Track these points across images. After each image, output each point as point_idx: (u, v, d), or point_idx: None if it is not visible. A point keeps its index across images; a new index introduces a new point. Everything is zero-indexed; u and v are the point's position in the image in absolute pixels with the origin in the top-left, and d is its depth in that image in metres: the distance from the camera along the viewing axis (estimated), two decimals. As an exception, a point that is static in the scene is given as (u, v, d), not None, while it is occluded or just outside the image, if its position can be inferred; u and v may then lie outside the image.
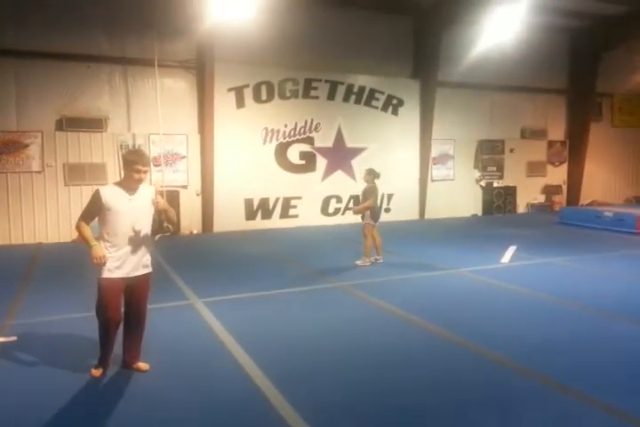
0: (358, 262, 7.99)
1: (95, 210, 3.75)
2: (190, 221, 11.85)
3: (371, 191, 7.91)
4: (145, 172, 3.75)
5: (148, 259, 3.92)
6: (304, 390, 3.66)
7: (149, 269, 3.95)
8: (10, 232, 10.34)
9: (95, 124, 10.89)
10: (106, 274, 3.71)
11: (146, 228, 3.85)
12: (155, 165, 11.43)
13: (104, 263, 3.67)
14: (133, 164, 3.72)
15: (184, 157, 11.79)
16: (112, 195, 3.73)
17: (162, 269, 7.87)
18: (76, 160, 10.77)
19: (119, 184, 3.83)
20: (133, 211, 3.74)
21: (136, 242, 3.77)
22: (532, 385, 3.75)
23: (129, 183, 3.77)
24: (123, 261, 3.74)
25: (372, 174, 7.97)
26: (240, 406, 3.43)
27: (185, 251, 9.74)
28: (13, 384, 3.76)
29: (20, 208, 10.39)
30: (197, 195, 11.94)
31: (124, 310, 3.91)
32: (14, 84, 10.37)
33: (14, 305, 5.75)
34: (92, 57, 10.83)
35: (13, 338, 4.66)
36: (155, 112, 11.21)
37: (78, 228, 3.78)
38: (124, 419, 3.27)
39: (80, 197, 10.47)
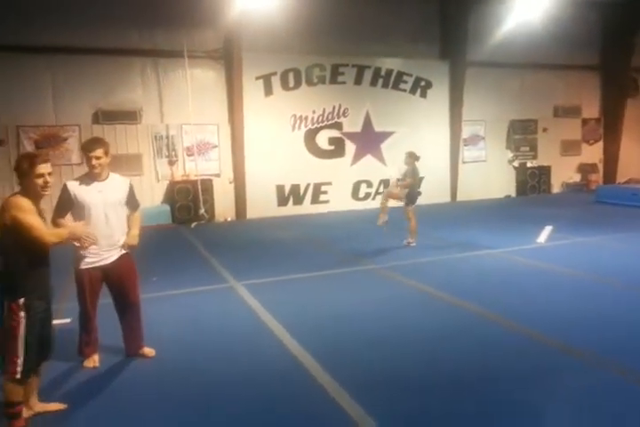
0: (409, 242, 8.04)
1: (66, 204, 3.75)
2: (224, 208, 12.10)
3: (411, 173, 8.00)
4: (97, 157, 3.69)
5: (121, 243, 3.88)
6: (345, 365, 3.78)
7: (123, 252, 3.89)
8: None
9: (130, 116, 11.18)
10: (82, 265, 3.76)
11: (119, 217, 3.86)
12: (188, 155, 11.69)
13: (94, 241, 3.23)
14: (84, 152, 3.79)
15: (216, 146, 12.00)
16: (80, 188, 3.73)
17: (199, 254, 8.14)
18: (112, 152, 10.78)
19: (86, 176, 3.82)
20: (100, 200, 3.73)
21: (110, 231, 3.77)
22: (569, 359, 3.79)
23: (89, 173, 3.78)
24: (97, 252, 3.73)
25: (412, 157, 8.08)
26: (282, 380, 3.58)
27: (221, 237, 9.98)
28: (69, 364, 4.01)
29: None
30: (230, 183, 12.17)
31: (113, 300, 3.99)
32: (51, 79, 10.72)
33: (65, 290, 6.06)
34: (124, 50, 11.08)
35: (68, 320, 4.93)
36: (186, 103, 11.41)
37: (53, 225, 3.67)
38: (178, 391, 3.47)
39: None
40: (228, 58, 11.78)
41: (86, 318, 3.92)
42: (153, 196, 11.45)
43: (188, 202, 11.43)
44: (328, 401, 3.25)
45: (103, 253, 3.78)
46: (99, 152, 3.73)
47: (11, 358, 2.70)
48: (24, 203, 2.77)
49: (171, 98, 11.59)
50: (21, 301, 2.74)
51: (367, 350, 4.11)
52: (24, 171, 2.87)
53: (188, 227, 11.04)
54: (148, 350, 4.05)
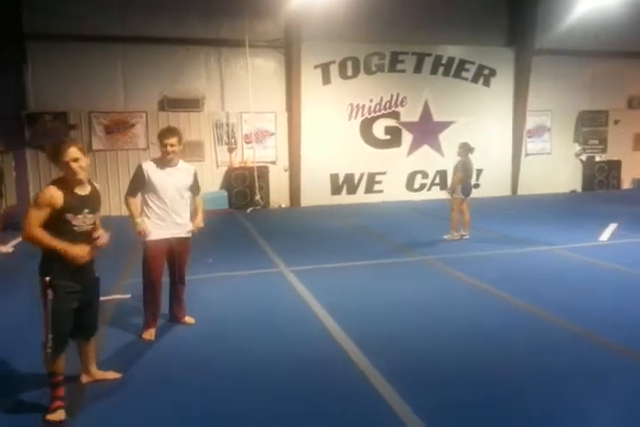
0: (446, 237, 7.97)
1: (139, 184, 4.11)
2: (279, 195, 12.36)
3: (462, 165, 7.83)
4: (172, 145, 4.01)
5: (188, 225, 4.24)
6: (384, 352, 3.82)
7: (189, 235, 4.28)
8: (121, 205, 11.40)
9: (193, 104, 11.60)
10: (152, 237, 4.08)
11: (184, 199, 4.19)
12: (246, 142, 11.99)
13: (146, 236, 4.06)
14: (160, 139, 4.05)
15: (273, 134, 12.23)
16: (153, 170, 4.07)
17: (253, 239, 8.39)
18: (176, 138, 11.53)
19: (160, 160, 4.14)
20: (171, 184, 4.08)
21: (176, 211, 4.12)
22: (622, 359, 3.65)
23: (162, 159, 4.10)
24: (165, 227, 4.10)
25: (464, 148, 7.90)
26: (322, 363, 3.68)
27: (274, 223, 10.22)
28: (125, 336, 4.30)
29: (128, 182, 11.40)
30: (285, 170, 12.39)
31: (169, 272, 4.33)
32: (121, 68, 11.30)
33: (128, 267, 6.46)
34: (190, 40, 11.48)
35: (128, 295, 5.27)
36: (246, 91, 11.68)
37: (126, 202, 4.16)
38: (221, 365, 3.66)
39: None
40: (288, 47, 11.93)
41: (152, 290, 4.20)
42: (213, 181, 11.88)
43: (244, 188, 11.78)
44: (364, 384, 3.32)
45: (170, 228, 4.12)
46: (173, 140, 4.05)
47: (44, 332, 2.95)
48: (43, 196, 2.89)
49: (232, 86, 11.91)
50: (47, 279, 2.94)
51: (409, 339, 4.13)
52: (53, 158, 3.04)
53: (243, 212, 11.39)
54: (189, 319, 4.45)
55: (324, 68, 12.35)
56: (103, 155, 11.30)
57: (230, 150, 12.00)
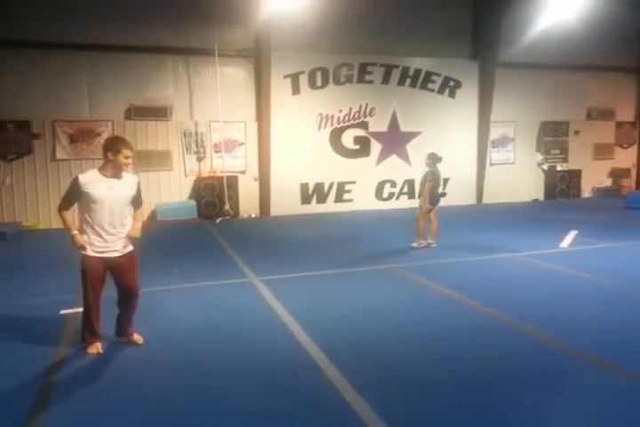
0: (414, 245, 8.09)
1: (72, 198, 3.87)
2: (249, 204, 12.31)
3: (431, 175, 7.98)
4: (127, 157, 3.83)
5: (127, 242, 4.02)
6: (354, 362, 3.85)
7: (130, 249, 4.06)
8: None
9: (161, 112, 11.48)
10: (88, 252, 3.90)
11: (124, 214, 3.95)
12: (215, 152, 11.94)
13: (82, 249, 3.88)
14: (122, 149, 3.80)
15: (242, 144, 12.21)
16: (91, 182, 3.80)
17: (222, 249, 8.33)
18: (143, 147, 11.41)
19: (102, 171, 3.86)
20: (112, 199, 3.83)
21: (116, 227, 3.90)
22: (581, 363, 3.77)
23: (113, 170, 3.84)
24: (102, 245, 3.89)
25: (432, 158, 8.05)
26: (291, 374, 3.68)
27: (243, 233, 10.17)
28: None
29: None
30: (255, 180, 12.37)
31: (116, 287, 4.11)
32: (87, 76, 11.11)
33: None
34: (158, 48, 11.39)
35: (80, 309, 5.14)
36: (215, 100, 11.65)
37: (59, 215, 3.97)
38: (186, 380, 3.62)
39: (148, 183, 11.13)
40: (258, 56, 11.97)
41: (90, 304, 4.01)
42: (180, 191, 11.76)
43: (213, 198, 11.69)
44: (334, 396, 3.33)
45: (108, 245, 3.92)
46: (129, 152, 3.88)
47: None
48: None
49: (201, 95, 11.86)
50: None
51: (378, 347, 4.17)
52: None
53: (212, 222, 11.29)
54: (137, 337, 4.24)
55: (294, 78, 12.44)
56: (67, 164, 11.04)
57: (199, 160, 11.91)
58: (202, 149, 11.84)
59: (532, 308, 5.07)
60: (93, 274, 3.94)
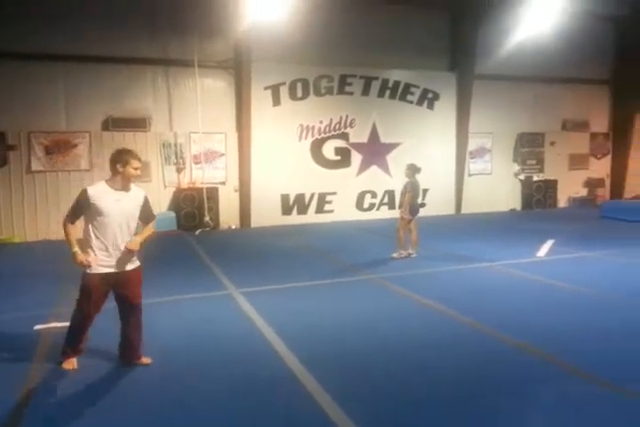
0: (394, 255, 8.13)
1: (80, 210, 3.77)
2: (229, 216, 12.24)
3: (411, 186, 8.05)
4: (136, 168, 3.77)
5: (133, 256, 3.91)
6: (334, 373, 3.84)
7: (137, 264, 3.96)
8: (61, 227, 10.95)
9: (139, 123, 11.39)
10: (92, 270, 3.75)
11: (130, 228, 3.86)
12: (195, 163, 11.87)
13: (87, 266, 3.73)
14: (130, 160, 3.74)
15: (222, 155, 12.17)
16: (100, 195, 3.72)
17: (202, 261, 8.25)
18: (121, 159, 11.26)
19: (110, 184, 3.79)
20: (120, 212, 3.74)
21: (122, 242, 3.78)
22: (554, 370, 3.82)
23: (122, 182, 3.77)
24: (108, 259, 3.76)
25: (411, 169, 8.12)
26: (271, 388, 3.65)
27: (224, 244, 10.09)
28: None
29: (69, 205, 10.97)
30: (235, 191, 12.32)
31: (119, 306, 3.96)
32: (63, 87, 10.98)
33: (68, 293, 6.18)
34: (136, 59, 11.33)
35: (68, 324, 5.03)
36: (195, 111, 11.62)
37: (64, 228, 3.83)
38: (166, 395, 3.55)
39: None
40: (238, 68, 12.00)
41: (84, 322, 3.90)
42: (160, 202, 11.62)
43: (193, 209, 11.60)
44: (315, 409, 3.30)
45: (114, 260, 3.79)
46: (138, 163, 3.81)
47: None
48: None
49: (180, 106, 11.81)
50: None
51: (358, 359, 4.16)
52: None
53: (192, 234, 11.18)
54: (146, 359, 4.04)
55: (274, 90, 12.49)
56: (43, 176, 10.86)
57: (178, 171, 11.82)
58: (181, 161, 11.76)
59: (509, 317, 5.12)
60: (97, 293, 3.81)
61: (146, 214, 4.00)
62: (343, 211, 13.20)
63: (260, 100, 12.23)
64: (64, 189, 10.94)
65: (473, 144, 14.46)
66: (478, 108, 14.05)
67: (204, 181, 11.79)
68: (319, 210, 13.09)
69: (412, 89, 13.76)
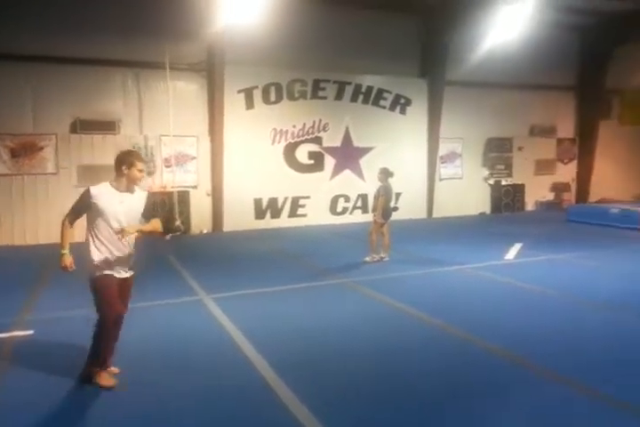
0: (367, 259, 8.16)
1: (81, 210, 3.71)
2: (200, 220, 12.09)
3: (383, 190, 8.11)
4: (141, 170, 3.76)
5: (133, 261, 3.89)
6: (306, 379, 3.83)
7: (133, 272, 3.92)
8: (25, 233, 10.66)
9: (108, 126, 11.17)
10: (100, 272, 3.67)
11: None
12: (166, 166, 11.71)
13: (66, 271, 3.67)
14: (135, 162, 3.72)
15: (194, 158, 12.04)
16: (103, 195, 3.66)
17: (172, 266, 8.12)
18: (89, 162, 11.05)
19: (115, 185, 3.74)
20: (124, 214, 3.69)
21: (124, 245, 3.74)
22: (524, 373, 3.89)
23: (127, 184, 3.73)
24: (112, 262, 3.71)
25: (384, 173, 8.19)
26: (243, 394, 3.61)
27: (195, 249, 9.96)
28: (28, 379, 3.98)
29: (35, 209, 10.70)
30: (207, 195, 12.19)
31: None
32: (30, 88, 10.69)
33: (31, 301, 6.00)
34: (106, 61, 11.11)
35: (30, 332, 4.89)
36: (166, 114, 11.45)
37: (62, 227, 3.75)
38: (139, 404, 3.47)
39: (94, 197, 10.78)
40: (211, 71, 11.90)
41: (110, 333, 3.71)
42: (129, 206, 11.40)
43: (164, 213, 11.39)
44: (286, 415, 3.28)
45: (117, 266, 3.74)
46: (142, 165, 3.78)
47: None
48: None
49: (151, 109, 11.64)
50: None
51: (330, 363, 4.16)
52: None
53: (163, 238, 10.99)
54: (114, 368, 3.95)
55: (248, 93, 12.44)
56: (8, 180, 10.53)
57: (149, 174, 11.61)
58: (152, 164, 11.58)
59: (479, 319, 5.20)
60: (113, 293, 3.69)
61: (149, 213, 3.93)
62: (316, 215, 13.20)
63: (232, 104, 12.15)
64: (30, 192, 10.66)
65: (444, 149, 14.68)
66: (449, 114, 14.28)
67: (175, 185, 11.63)
68: (292, 214, 13.06)
69: (385, 94, 13.90)
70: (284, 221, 12.87)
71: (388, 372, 3.98)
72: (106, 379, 3.71)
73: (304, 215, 13.15)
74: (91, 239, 3.69)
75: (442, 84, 14.03)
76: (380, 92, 13.83)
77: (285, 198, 12.97)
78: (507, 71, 14.25)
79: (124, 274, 3.80)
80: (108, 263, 3.68)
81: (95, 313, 3.71)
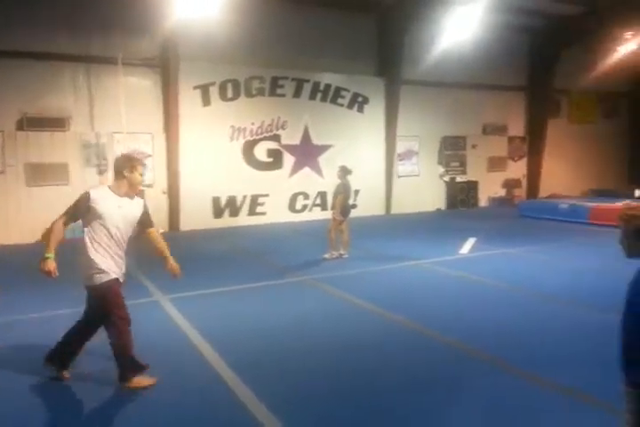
0: (326, 256, 8.20)
1: (78, 212, 3.59)
2: (156, 219, 11.72)
3: (342, 187, 8.16)
4: (141, 174, 3.75)
5: (125, 265, 3.86)
6: (265, 377, 3.82)
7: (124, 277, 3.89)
8: (-30, 234, 10.15)
9: (58, 123, 10.75)
10: (107, 277, 3.58)
11: (127, 235, 3.76)
12: (119, 164, 11.35)
13: (49, 276, 3.49)
14: (137, 166, 3.69)
15: (149, 156, 11.75)
16: (103, 199, 3.58)
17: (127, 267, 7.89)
18: (38, 160, 10.60)
19: (111, 189, 3.67)
20: (121, 218, 3.63)
21: (122, 248, 3.71)
22: (480, 365, 4.01)
23: (129, 188, 3.67)
24: (114, 265, 3.65)
25: (343, 171, 8.26)
26: (202, 394, 3.57)
27: (150, 249, 9.70)
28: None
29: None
30: (164, 193, 11.93)
31: (89, 315, 3.77)
32: (-27, 83, 10.16)
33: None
34: (55, 55, 10.68)
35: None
36: (118, 111, 11.12)
37: (52, 227, 3.59)
38: (98, 407, 3.37)
39: (41, 199, 10.37)
40: (165, 66, 11.64)
41: (127, 338, 3.65)
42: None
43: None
44: (246, 415, 3.26)
45: (118, 266, 3.69)
46: (142, 169, 3.76)
47: None
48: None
49: (103, 105, 11.27)
50: None
51: (290, 361, 4.15)
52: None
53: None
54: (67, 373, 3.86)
55: (204, 90, 12.24)
56: (-52, 178, 10.00)
57: (100, 173, 11.27)
58: (104, 162, 11.23)
59: (435, 313, 5.32)
60: (121, 296, 3.64)
61: (147, 219, 3.90)
62: (276, 213, 13.16)
63: (188, 101, 11.93)
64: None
65: (401, 147, 14.91)
66: (406, 113, 14.52)
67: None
68: (252, 212, 12.97)
69: (343, 92, 13.98)
70: (244, 220, 12.76)
71: (348, 368, 4.01)
72: (144, 380, 3.66)
73: (263, 213, 13.07)
74: (89, 244, 3.57)
75: (399, 83, 14.23)
76: (338, 90, 13.90)
77: (244, 196, 12.85)
78: (461, 71, 14.60)
79: (122, 278, 3.75)
80: (111, 267, 3.61)
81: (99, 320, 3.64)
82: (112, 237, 3.60)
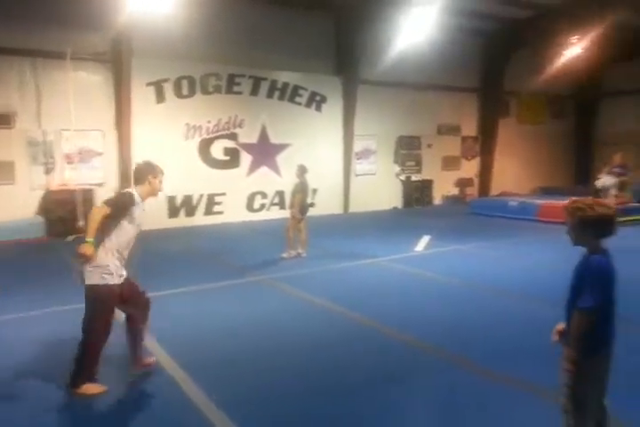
0: (284, 255, 8.17)
1: (120, 211, 3.54)
2: (109, 220, 11.42)
3: (299, 187, 8.15)
4: (161, 181, 3.83)
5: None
6: (220, 379, 3.77)
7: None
8: None
9: (2, 120, 10.26)
10: (112, 280, 3.54)
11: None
12: (67, 163, 10.93)
13: (86, 261, 3.46)
14: (158, 173, 3.76)
15: (100, 154, 11.36)
16: (138, 203, 3.65)
17: (73, 270, 7.60)
18: (-21, 158, 10.07)
19: (142, 194, 3.74)
20: (140, 223, 3.73)
21: (127, 253, 3.74)
22: (437, 362, 4.09)
23: (150, 194, 3.76)
24: (120, 267, 3.65)
25: (301, 170, 8.26)
26: (154, 398, 3.50)
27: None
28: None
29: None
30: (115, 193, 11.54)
31: (128, 311, 3.87)
32: None
33: None
34: (0, 49, 10.14)
35: None
36: (67, 107, 10.68)
37: (94, 214, 3.41)
38: (47, 411, 3.23)
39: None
40: (117, 62, 11.28)
41: (98, 346, 3.59)
42: (26, 206, 10.52)
43: (65, 213, 10.63)
44: (197, 416, 3.20)
45: (123, 269, 3.67)
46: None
47: None
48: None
49: (50, 102, 10.80)
50: None
51: (246, 362, 4.11)
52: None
53: (63, 241, 10.24)
54: (151, 359, 3.99)
55: (158, 86, 11.94)
56: None
57: (47, 171, 10.80)
58: (51, 160, 10.76)
59: (393, 311, 5.39)
60: (112, 308, 3.63)
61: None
62: (233, 212, 13.00)
63: (141, 97, 11.61)
64: None
65: (359, 146, 15.03)
66: (363, 112, 14.64)
67: (78, 183, 10.88)
68: (208, 212, 12.76)
69: (301, 91, 13.96)
70: (200, 219, 12.54)
71: (307, 368, 4.01)
72: (94, 388, 3.57)
73: (220, 213, 12.89)
74: (107, 243, 3.54)
75: (356, 83, 14.34)
76: (296, 88, 13.87)
77: (201, 196, 12.63)
78: (417, 72, 14.85)
79: (124, 274, 3.71)
80: (117, 269, 3.58)
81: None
82: (131, 240, 3.68)
